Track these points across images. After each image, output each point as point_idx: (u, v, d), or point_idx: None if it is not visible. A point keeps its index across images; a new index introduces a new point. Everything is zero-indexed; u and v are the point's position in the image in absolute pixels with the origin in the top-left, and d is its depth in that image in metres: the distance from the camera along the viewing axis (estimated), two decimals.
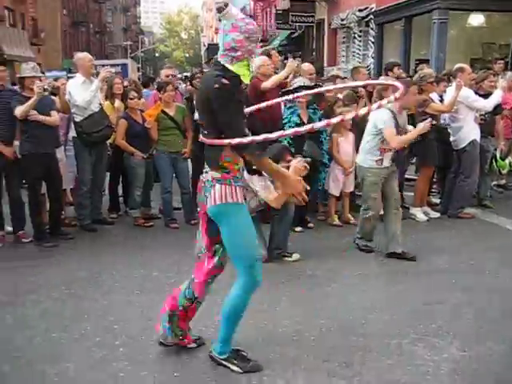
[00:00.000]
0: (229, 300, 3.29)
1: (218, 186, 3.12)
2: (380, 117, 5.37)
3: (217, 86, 2.99)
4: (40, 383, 3.31)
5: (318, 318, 4.16)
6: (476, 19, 16.03)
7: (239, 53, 3.06)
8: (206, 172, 3.19)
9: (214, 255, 3.37)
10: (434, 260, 5.51)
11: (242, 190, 3.19)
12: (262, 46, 31.07)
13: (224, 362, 3.40)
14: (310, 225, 6.59)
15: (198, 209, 3.39)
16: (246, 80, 3.14)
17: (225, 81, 2.99)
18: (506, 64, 11.20)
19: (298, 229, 6.38)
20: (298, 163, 4.71)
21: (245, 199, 3.24)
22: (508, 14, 15.36)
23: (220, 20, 3.12)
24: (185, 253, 5.70)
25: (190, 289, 3.46)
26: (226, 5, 3.05)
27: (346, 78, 8.53)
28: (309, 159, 5.01)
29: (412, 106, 5.73)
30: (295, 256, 5.50)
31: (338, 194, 6.78)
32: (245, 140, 3.00)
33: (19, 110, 5.78)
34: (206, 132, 3.17)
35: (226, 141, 3.02)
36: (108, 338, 3.87)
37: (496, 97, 6.97)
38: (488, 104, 6.94)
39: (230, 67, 3.07)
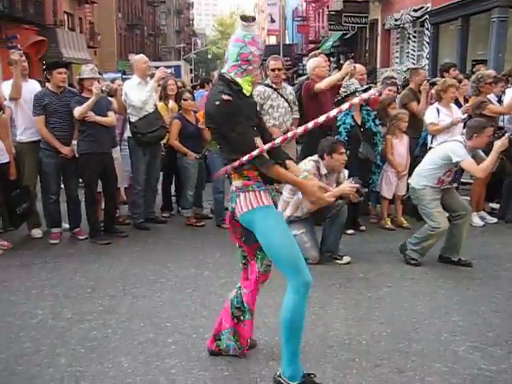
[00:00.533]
0: (283, 310, 3.12)
1: (241, 194, 3.13)
2: (454, 149, 5.14)
3: (217, 102, 2.98)
4: (95, 377, 3.39)
5: (370, 321, 4.11)
6: None
7: (251, 67, 3.05)
8: (231, 183, 3.23)
9: (256, 262, 3.37)
10: (490, 267, 5.35)
11: (267, 194, 3.17)
12: (313, 48, 31.15)
13: None
14: (362, 228, 6.53)
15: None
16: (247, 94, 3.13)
17: (225, 97, 2.96)
18: None
19: (350, 231, 6.32)
20: (349, 184, 4.66)
21: (274, 203, 3.23)
22: None
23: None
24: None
25: (239, 298, 3.47)
26: (254, 19, 3.07)
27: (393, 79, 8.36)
28: (362, 189, 5.00)
29: (484, 147, 5.49)
30: (346, 259, 5.45)
31: (390, 197, 6.68)
32: (253, 152, 2.98)
33: (78, 111, 5.95)
34: (219, 146, 3.20)
35: (236, 163, 3.03)
36: (161, 335, 3.93)
37: None
38: None
39: (238, 79, 3.06)
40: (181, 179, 7.09)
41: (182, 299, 4.60)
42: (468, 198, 7.08)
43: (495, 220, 6.92)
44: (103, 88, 6.12)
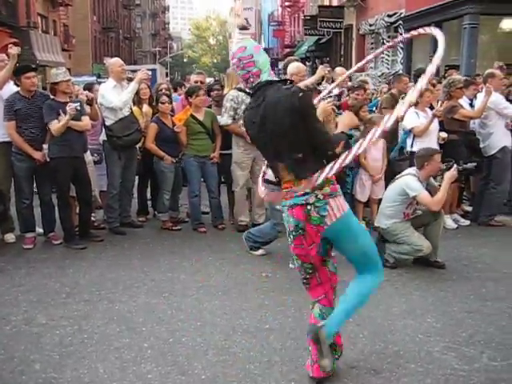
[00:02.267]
0: (363, 286, 3.36)
1: (332, 200, 3.11)
2: (409, 184, 5.29)
3: (301, 94, 3.01)
4: (70, 383, 3.35)
5: (346, 323, 4.12)
6: (508, 24, 15.81)
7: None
8: (307, 193, 3.08)
9: (326, 266, 3.38)
10: (463, 268, 5.44)
11: None
12: (289, 53, 31.27)
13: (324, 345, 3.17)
14: None
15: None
16: None
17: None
18: None
19: None
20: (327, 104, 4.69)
21: None
22: None
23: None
24: (212, 256, 5.79)
25: (323, 309, 3.42)
26: (246, 27, 3.14)
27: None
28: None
29: (436, 174, 5.62)
30: None
31: (364, 200, 6.74)
32: (358, 151, 3.01)
33: (54, 128, 5.87)
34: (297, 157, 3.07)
35: (338, 165, 2.99)
36: (137, 339, 3.91)
37: None
38: None
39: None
40: (157, 183, 7.06)
41: (158, 303, 4.58)
42: None
43: (468, 222, 7.03)
44: (78, 108, 5.97)
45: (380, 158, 6.66)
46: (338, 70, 7.14)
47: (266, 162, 3.47)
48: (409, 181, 5.32)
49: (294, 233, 3.21)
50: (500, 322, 4.18)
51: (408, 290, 4.87)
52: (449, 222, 6.85)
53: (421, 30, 3.70)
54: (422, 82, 3.14)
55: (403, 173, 5.58)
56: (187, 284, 5.03)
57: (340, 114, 6.58)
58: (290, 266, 5.37)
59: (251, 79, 3.15)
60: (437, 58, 3.17)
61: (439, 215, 5.45)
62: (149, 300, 4.66)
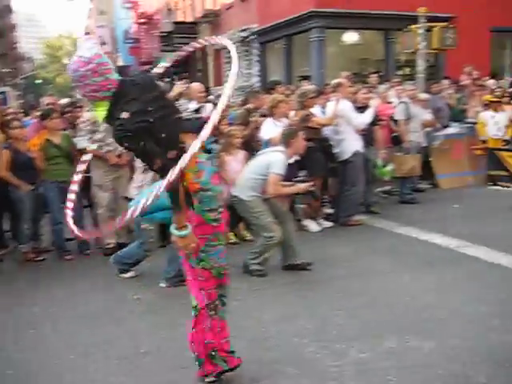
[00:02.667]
0: None
1: None
2: (277, 161, 5.46)
3: None
4: None
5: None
6: (351, 37, 17.00)
7: None
8: None
9: None
10: (329, 269, 5.71)
11: None
12: (147, 70, 30.81)
13: None
14: None
15: None
16: None
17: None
18: (380, 77, 11.92)
19: None
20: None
21: None
22: (379, 32, 16.43)
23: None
24: (81, 284, 5.57)
25: None
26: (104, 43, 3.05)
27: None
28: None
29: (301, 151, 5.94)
30: None
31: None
32: None
33: None
34: None
35: None
36: None
37: (369, 114, 7.40)
38: (364, 121, 7.33)
39: None
40: (15, 212, 6.65)
41: (25, 338, 4.32)
42: (304, 205, 7.54)
43: (331, 224, 7.42)
44: None
45: (240, 170, 6.79)
46: (195, 85, 7.21)
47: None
48: (278, 158, 5.48)
49: None
50: (364, 317, 4.45)
51: (279, 296, 5.02)
52: (312, 225, 7.18)
53: (212, 40, 3.63)
54: (215, 115, 2.95)
55: (272, 148, 5.77)
56: (56, 316, 4.79)
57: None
58: (161, 285, 5.33)
59: (108, 86, 3.00)
60: (231, 79, 3.07)
61: (285, 217, 5.66)
62: (10, 335, 4.37)
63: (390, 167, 8.22)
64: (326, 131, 7.37)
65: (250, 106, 7.68)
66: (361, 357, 3.77)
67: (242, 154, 6.79)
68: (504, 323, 4.19)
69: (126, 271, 5.67)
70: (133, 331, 4.39)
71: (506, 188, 9.40)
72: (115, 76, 3.05)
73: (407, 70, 16.48)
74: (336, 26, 15.74)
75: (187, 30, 26.39)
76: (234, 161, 6.75)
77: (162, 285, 5.32)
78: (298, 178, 5.91)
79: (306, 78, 14.52)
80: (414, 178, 8.96)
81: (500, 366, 3.55)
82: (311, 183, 5.96)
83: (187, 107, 6.36)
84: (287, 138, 5.66)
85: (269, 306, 4.79)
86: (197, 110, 6.93)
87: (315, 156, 6.99)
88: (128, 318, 4.67)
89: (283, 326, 4.32)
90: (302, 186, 5.72)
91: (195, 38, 25.93)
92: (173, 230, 3.12)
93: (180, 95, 6.94)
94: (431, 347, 3.86)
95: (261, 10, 18.97)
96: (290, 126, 6.47)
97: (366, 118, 7.35)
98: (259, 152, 6.11)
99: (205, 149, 6.16)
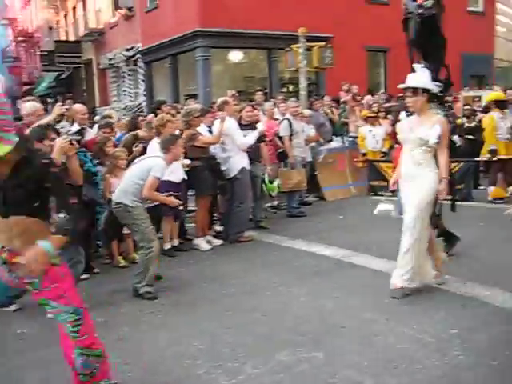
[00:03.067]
0: None
1: None
2: (157, 165, 5.50)
3: None
4: None
5: (116, 364, 4.02)
6: (236, 56, 17.32)
7: None
8: None
9: None
10: (219, 286, 5.70)
11: None
12: (28, 90, 29.58)
13: None
14: (96, 270, 6.38)
15: None
16: None
17: None
18: (265, 94, 12.23)
19: (84, 276, 6.12)
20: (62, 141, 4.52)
21: None
22: (262, 51, 16.87)
23: None
24: None
25: None
26: None
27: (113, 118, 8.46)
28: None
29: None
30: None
31: (118, 236, 6.64)
32: None
33: None
34: None
35: None
36: None
37: (254, 137, 7.51)
38: (247, 142, 7.43)
39: None
40: None
41: None
42: (194, 225, 7.51)
43: (221, 242, 7.43)
44: None
45: None
46: (77, 107, 6.98)
47: None
48: (159, 163, 5.54)
49: None
50: (256, 332, 4.48)
51: (171, 318, 4.94)
52: (203, 244, 7.16)
53: None
54: None
55: (152, 154, 5.83)
56: None
57: (83, 151, 6.40)
58: (49, 316, 5.05)
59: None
60: None
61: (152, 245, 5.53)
62: None
63: (276, 182, 8.42)
64: (213, 149, 7.41)
65: (138, 132, 7.48)
66: (254, 372, 3.79)
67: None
68: (385, 327, 4.40)
69: (10, 304, 5.31)
70: (16, 368, 4.12)
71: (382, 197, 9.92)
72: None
73: (291, 88, 17.04)
74: (221, 45, 15.97)
75: (70, 48, 25.68)
76: (119, 183, 6.58)
77: (50, 315, 5.05)
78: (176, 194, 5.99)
79: (192, 96, 14.57)
80: (301, 191, 9.23)
81: (385, 369, 3.72)
82: (181, 203, 6.11)
83: (69, 129, 6.12)
84: (166, 145, 5.72)
85: (162, 329, 4.69)
86: (79, 132, 6.71)
87: (202, 175, 7.02)
88: (11, 355, 4.37)
89: (176, 349, 4.25)
90: (172, 200, 5.82)
91: (79, 57, 25.29)
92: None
93: (61, 117, 6.69)
94: (321, 357, 3.95)
95: (145, 29, 18.84)
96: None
97: (250, 139, 7.47)
98: (139, 158, 6.04)
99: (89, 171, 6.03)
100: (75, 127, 6.83)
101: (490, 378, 3.63)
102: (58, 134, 5.35)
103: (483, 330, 4.25)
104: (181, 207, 6.32)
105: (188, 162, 6.87)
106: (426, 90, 5.00)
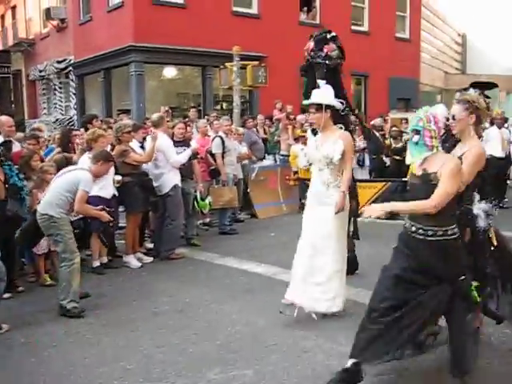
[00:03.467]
0: None
1: None
2: (85, 179, 5.44)
3: None
4: None
5: None
6: (170, 72, 17.27)
7: None
8: None
9: None
10: (151, 304, 5.63)
11: None
12: None
13: None
14: (20, 288, 6.13)
15: None
16: None
17: None
18: (199, 112, 12.25)
19: (7, 295, 5.87)
20: None
21: None
22: (197, 68, 16.92)
23: None
24: None
25: None
26: None
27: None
28: None
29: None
30: (4, 327, 5.04)
31: (39, 252, 6.42)
32: None
33: None
34: None
35: None
36: None
37: (186, 155, 7.53)
38: (180, 160, 7.43)
39: None
40: None
41: None
42: (123, 241, 7.39)
43: (151, 259, 7.34)
44: None
45: None
46: (3, 118, 6.77)
47: None
48: (84, 176, 5.49)
49: None
50: (187, 350, 4.46)
51: (98, 337, 4.82)
52: (133, 261, 7.05)
53: None
54: None
55: (77, 166, 5.82)
56: None
57: (9, 164, 6.19)
58: None
59: None
60: None
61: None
62: None
63: (208, 200, 8.41)
64: (145, 166, 7.34)
65: (72, 156, 7.29)
66: None
67: None
68: (315, 344, 4.48)
69: None
70: None
71: None
72: None
73: (224, 105, 17.15)
74: (155, 60, 15.87)
75: None
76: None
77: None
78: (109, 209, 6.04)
79: (126, 111, 14.39)
80: (233, 209, 9.26)
81: None
82: (111, 219, 6.08)
83: None
84: (99, 158, 5.76)
85: (89, 349, 4.57)
86: (5, 144, 6.50)
87: (133, 191, 6.94)
88: None
89: (104, 370, 4.15)
90: (103, 214, 5.80)
91: (7, 67, 24.46)
92: None
93: None
94: (251, 375, 3.98)
95: (78, 41, 18.48)
96: None
97: (183, 158, 7.48)
98: (64, 170, 5.92)
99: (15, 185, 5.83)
100: (0, 139, 6.61)
101: None
102: None
103: None
104: (111, 223, 6.20)
105: (119, 177, 6.76)
106: (329, 107, 4.99)
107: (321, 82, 5.28)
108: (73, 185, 5.41)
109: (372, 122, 12.60)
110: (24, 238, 5.91)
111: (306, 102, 5.28)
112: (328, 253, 5.01)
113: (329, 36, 6.04)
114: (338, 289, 5.06)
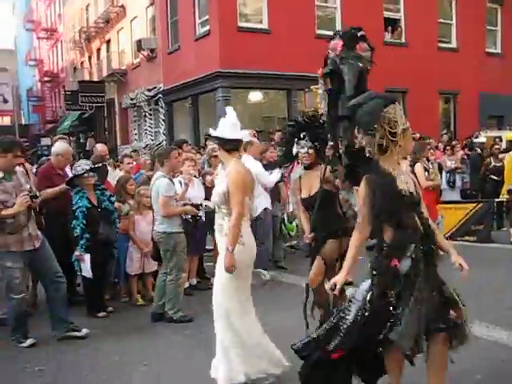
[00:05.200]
0: None
1: None
2: (161, 185, 5.71)
3: None
4: None
5: None
6: (255, 96, 17.53)
7: None
8: None
9: None
10: None
11: None
12: (51, 128, 30.15)
13: None
14: (110, 309, 6.31)
15: None
16: None
17: None
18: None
19: (102, 314, 6.10)
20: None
21: None
22: (282, 91, 17.07)
23: None
24: None
25: None
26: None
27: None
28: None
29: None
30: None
31: (133, 273, 6.63)
32: None
33: None
34: None
35: None
36: None
37: (278, 174, 7.49)
38: (273, 180, 7.46)
39: None
40: None
41: None
42: (212, 263, 7.44)
43: None
44: None
45: (149, 231, 6.65)
46: (98, 146, 7.13)
47: None
48: (160, 182, 5.72)
49: None
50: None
51: (190, 357, 4.87)
52: None
53: None
54: None
55: (156, 175, 5.95)
56: None
57: (102, 189, 6.46)
58: None
59: None
60: None
61: None
62: None
63: (296, 222, 8.35)
64: None
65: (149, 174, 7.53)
66: None
67: (151, 214, 6.66)
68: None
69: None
70: None
71: None
72: None
73: None
74: (240, 85, 16.19)
75: (93, 89, 26.21)
76: (144, 221, 6.62)
77: None
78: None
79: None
80: None
81: None
82: (200, 214, 6.51)
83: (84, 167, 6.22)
84: (160, 158, 5.94)
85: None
86: (98, 169, 6.81)
87: None
88: None
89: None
90: (191, 208, 6.19)
91: (102, 96, 25.81)
92: None
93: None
94: None
95: (167, 70, 19.22)
96: None
97: (275, 177, 7.47)
98: None
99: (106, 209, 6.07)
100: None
101: None
102: None
103: None
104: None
105: (210, 204, 6.83)
106: (218, 139, 4.29)
107: (228, 109, 4.58)
108: (156, 196, 5.77)
109: (474, 140, 12.15)
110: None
111: (209, 132, 4.60)
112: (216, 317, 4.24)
113: (359, 34, 4.70)
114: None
